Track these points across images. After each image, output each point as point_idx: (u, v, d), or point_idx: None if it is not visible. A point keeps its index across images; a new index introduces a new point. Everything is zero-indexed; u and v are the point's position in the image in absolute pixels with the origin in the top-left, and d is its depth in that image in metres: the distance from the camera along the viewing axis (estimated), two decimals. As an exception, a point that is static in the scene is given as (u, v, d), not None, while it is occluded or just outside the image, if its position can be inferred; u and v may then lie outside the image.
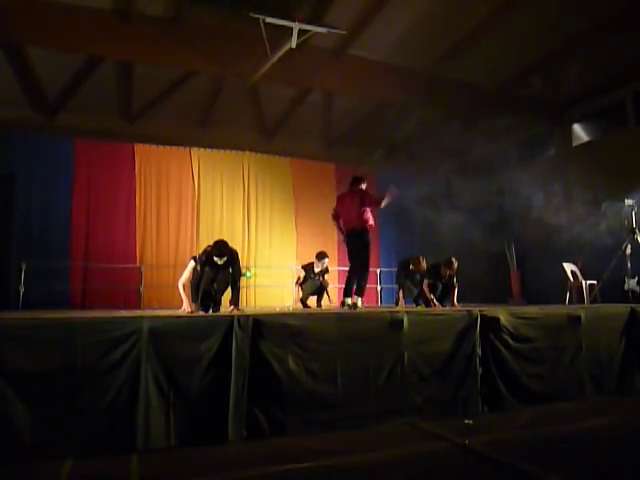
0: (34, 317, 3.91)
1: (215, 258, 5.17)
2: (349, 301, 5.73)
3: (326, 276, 7.48)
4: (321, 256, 7.34)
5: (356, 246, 5.86)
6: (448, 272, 6.69)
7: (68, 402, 3.50)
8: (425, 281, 6.78)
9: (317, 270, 7.33)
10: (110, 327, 3.74)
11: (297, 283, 7.49)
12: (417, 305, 7.05)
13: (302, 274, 7.37)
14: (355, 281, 5.85)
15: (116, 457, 3.47)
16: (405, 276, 7.52)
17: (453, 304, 6.70)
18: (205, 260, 5.27)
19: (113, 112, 9.58)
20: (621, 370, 5.65)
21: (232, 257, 5.34)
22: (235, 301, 5.41)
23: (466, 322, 4.91)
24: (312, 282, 7.34)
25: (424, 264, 7.25)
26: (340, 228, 6.07)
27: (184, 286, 5.72)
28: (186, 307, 5.58)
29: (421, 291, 7.05)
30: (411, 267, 7.44)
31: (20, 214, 8.53)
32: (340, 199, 6.09)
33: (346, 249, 6.10)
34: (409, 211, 8.99)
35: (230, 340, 3.94)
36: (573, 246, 8.34)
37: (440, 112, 9.82)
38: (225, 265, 5.27)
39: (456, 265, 6.68)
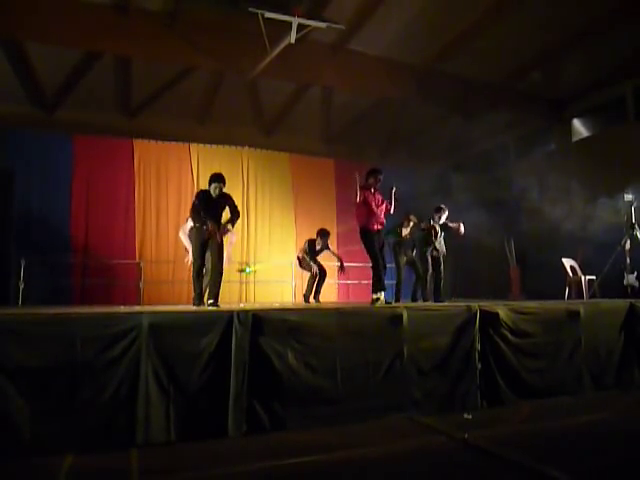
0: (34, 313, 3.91)
1: (213, 185, 5.33)
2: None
3: (323, 254, 7.40)
4: (322, 234, 7.34)
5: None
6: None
7: (68, 397, 3.50)
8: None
9: (318, 248, 7.33)
10: (110, 322, 3.74)
11: (300, 257, 7.44)
12: (414, 301, 7.03)
13: (306, 246, 7.34)
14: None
15: (116, 452, 3.48)
16: (399, 246, 7.39)
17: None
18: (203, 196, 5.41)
19: (112, 107, 9.55)
20: (620, 365, 5.66)
21: (229, 197, 5.49)
22: (232, 223, 5.46)
23: (465, 317, 4.92)
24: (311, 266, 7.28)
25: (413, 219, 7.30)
26: None
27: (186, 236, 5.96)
28: (191, 257, 5.72)
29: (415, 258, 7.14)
30: (403, 231, 7.29)
31: (19, 210, 8.52)
32: None
33: None
34: (408, 206, 8.96)
35: (230, 335, 3.94)
36: (572, 241, 8.35)
37: (439, 107, 9.78)
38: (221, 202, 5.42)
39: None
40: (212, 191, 5.39)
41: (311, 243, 7.38)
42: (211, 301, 5.27)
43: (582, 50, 8.34)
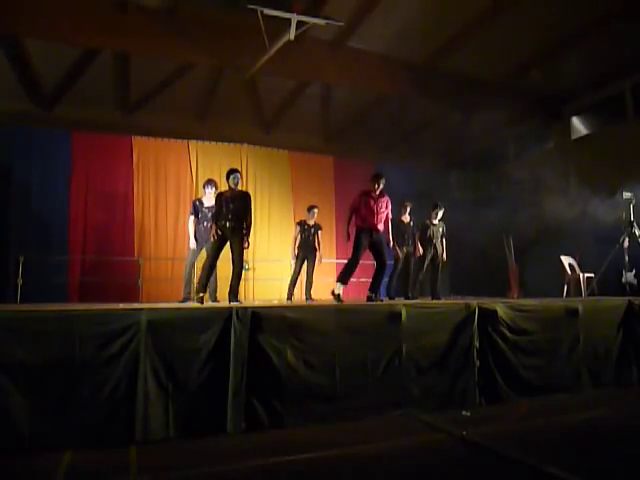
0: (32, 310, 3.91)
1: (231, 176, 5.64)
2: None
3: (320, 233, 7.51)
4: (310, 207, 7.56)
5: None
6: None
7: (67, 394, 3.51)
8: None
9: (311, 223, 7.45)
10: (108, 319, 3.74)
11: (295, 241, 7.50)
12: (406, 298, 7.04)
13: (297, 229, 7.46)
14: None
15: (115, 449, 3.49)
16: (402, 237, 7.42)
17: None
18: (219, 194, 5.73)
19: (111, 104, 9.52)
20: (618, 362, 5.68)
21: (247, 196, 5.75)
22: (247, 233, 5.65)
23: (464, 315, 4.93)
24: (305, 241, 7.35)
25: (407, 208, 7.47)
26: None
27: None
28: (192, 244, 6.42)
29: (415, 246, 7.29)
30: (403, 219, 7.43)
31: (18, 207, 8.49)
32: None
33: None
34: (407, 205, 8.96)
35: (229, 332, 3.95)
36: (571, 239, 8.35)
37: (438, 105, 9.77)
38: (239, 200, 5.63)
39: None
40: (231, 182, 5.66)
41: (301, 222, 7.50)
42: (233, 298, 5.47)
43: (581, 48, 8.33)
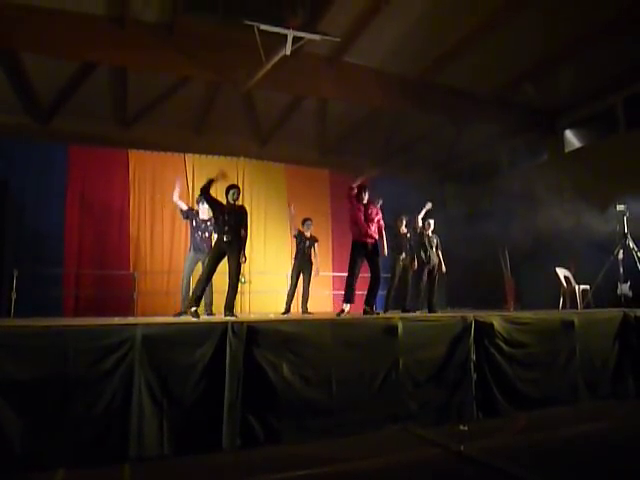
0: (26, 325, 3.87)
1: (231, 191, 5.66)
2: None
3: (316, 245, 7.56)
4: (304, 220, 7.62)
5: None
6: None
7: (60, 410, 3.46)
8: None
9: (307, 235, 7.51)
10: (103, 334, 3.71)
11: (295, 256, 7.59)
12: (403, 310, 7.04)
13: (295, 240, 7.53)
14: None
15: (109, 466, 3.44)
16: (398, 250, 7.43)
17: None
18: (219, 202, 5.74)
19: (107, 118, 9.56)
20: (615, 374, 5.68)
21: (244, 211, 5.75)
22: (242, 248, 5.64)
23: (460, 328, 4.92)
24: (300, 258, 7.40)
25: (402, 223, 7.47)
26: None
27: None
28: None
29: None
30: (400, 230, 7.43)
31: (13, 220, 8.46)
32: None
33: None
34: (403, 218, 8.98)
35: (224, 347, 3.92)
36: (566, 251, 8.39)
37: (433, 118, 9.86)
38: (236, 214, 5.63)
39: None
40: (230, 197, 5.68)
41: (298, 234, 7.54)
42: (228, 312, 5.41)
43: (574, 62, 8.45)
